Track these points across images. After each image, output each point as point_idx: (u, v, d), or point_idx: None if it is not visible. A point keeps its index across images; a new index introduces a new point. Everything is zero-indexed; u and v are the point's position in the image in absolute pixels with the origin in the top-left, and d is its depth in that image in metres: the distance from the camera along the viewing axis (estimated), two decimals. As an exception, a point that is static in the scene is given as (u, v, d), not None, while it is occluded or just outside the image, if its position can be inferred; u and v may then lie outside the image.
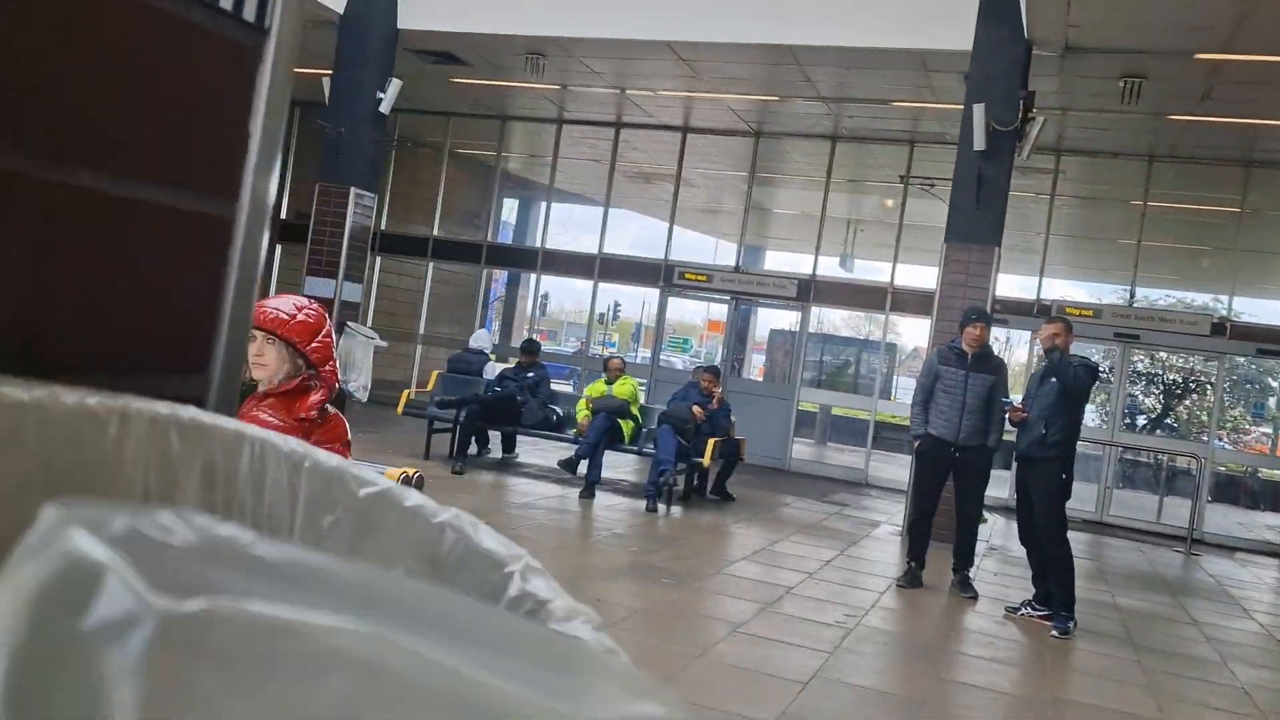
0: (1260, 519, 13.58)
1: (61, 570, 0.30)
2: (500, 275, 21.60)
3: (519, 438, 10.52)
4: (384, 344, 11.39)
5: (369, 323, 15.57)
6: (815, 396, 15.46)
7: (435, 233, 15.69)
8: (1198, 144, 11.74)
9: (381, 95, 11.17)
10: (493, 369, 10.38)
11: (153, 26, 0.54)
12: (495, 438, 10.47)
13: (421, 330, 15.75)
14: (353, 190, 11.11)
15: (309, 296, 3.15)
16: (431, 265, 15.75)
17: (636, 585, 6.07)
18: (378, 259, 15.83)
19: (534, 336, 12.22)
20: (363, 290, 11.49)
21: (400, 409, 9.81)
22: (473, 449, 9.96)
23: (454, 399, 9.34)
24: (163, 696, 0.28)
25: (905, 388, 16.53)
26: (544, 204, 15.61)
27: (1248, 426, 16.32)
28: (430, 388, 10.31)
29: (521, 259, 16.31)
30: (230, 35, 0.58)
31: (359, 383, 11.06)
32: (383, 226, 15.75)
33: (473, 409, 9.33)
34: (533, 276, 16.06)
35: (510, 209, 20.19)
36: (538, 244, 15.55)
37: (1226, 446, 14.91)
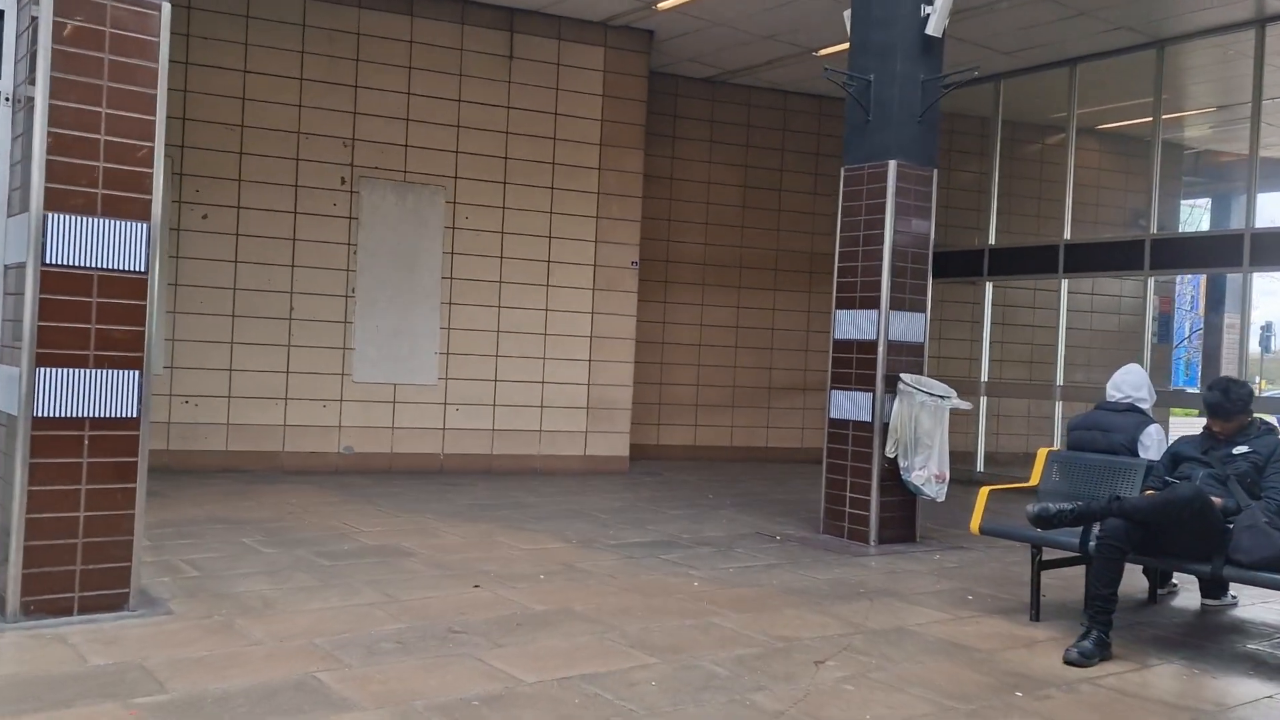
0: None
1: None
2: (1177, 297, 15.45)
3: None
4: (964, 404, 7.00)
5: (978, 377, 11.12)
6: None
7: (1066, 237, 10.75)
8: None
9: (929, 9, 7.02)
10: (1154, 438, 5.36)
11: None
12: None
13: (1059, 379, 10.81)
14: (893, 165, 7.01)
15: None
16: (1065, 283, 10.81)
17: None
18: (987, 284, 11.40)
19: (1244, 381, 6.89)
20: (925, 322, 7.21)
21: (975, 523, 5.36)
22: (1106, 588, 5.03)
23: (1064, 509, 4.62)
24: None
25: None
26: (1245, 167, 9.86)
27: None
28: (1035, 480, 5.63)
29: (1211, 253, 10.46)
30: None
31: (929, 472, 6.85)
32: (990, 240, 11.34)
33: (1111, 527, 4.53)
34: (1238, 279, 10.28)
35: (1196, 199, 14.27)
36: (1240, 226, 9.78)
37: None
